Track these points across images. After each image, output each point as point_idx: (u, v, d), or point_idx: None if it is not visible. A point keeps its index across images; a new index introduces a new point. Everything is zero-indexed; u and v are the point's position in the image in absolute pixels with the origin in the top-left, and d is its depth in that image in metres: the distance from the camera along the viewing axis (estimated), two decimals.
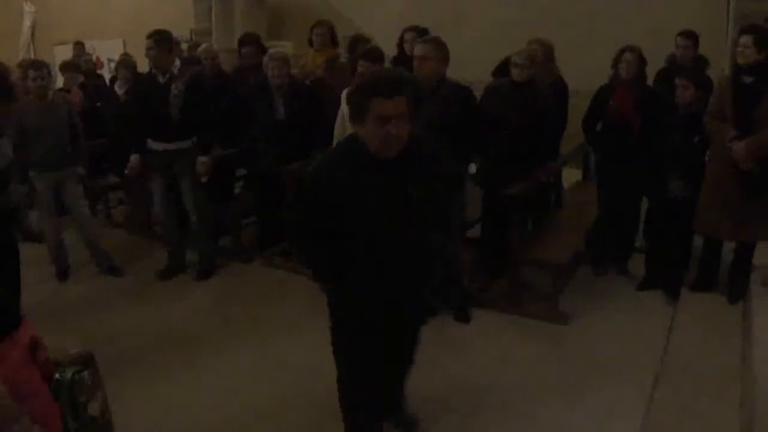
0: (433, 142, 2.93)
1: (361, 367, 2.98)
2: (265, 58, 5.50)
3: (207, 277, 5.66)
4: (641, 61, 4.91)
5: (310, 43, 6.54)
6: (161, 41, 5.14)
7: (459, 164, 4.42)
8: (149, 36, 5.18)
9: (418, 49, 4.37)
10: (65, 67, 7.43)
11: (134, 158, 5.42)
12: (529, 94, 4.84)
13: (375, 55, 4.86)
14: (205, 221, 5.64)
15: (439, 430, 3.58)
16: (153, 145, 5.33)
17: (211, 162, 5.32)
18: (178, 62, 5.37)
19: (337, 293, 2.91)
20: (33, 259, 5.97)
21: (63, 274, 5.72)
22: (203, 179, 5.34)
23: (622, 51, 4.95)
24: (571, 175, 6.59)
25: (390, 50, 6.06)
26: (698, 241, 4.90)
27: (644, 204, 5.19)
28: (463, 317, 4.74)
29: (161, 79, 5.18)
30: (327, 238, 2.71)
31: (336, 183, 2.60)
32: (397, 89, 2.56)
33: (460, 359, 4.28)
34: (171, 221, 5.65)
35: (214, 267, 5.77)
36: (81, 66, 7.77)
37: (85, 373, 2.53)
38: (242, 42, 6.47)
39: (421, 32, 5.80)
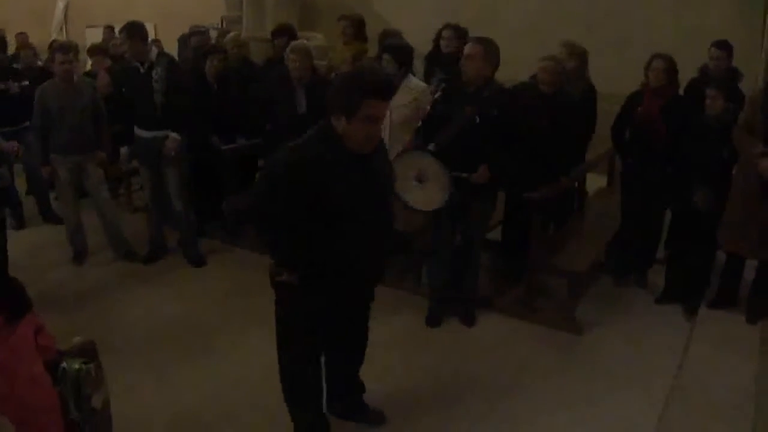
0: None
1: (312, 353, 3.10)
2: (287, 50, 5.44)
3: (198, 264, 5.70)
4: (671, 69, 4.80)
5: None
6: (133, 34, 5.26)
7: (494, 169, 4.34)
8: (120, 31, 5.41)
9: (468, 48, 4.31)
10: (93, 50, 7.46)
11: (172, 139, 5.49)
12: (554, 101, 4.77)
13: (399, 51, 4.84)
14: (189, 209, 5.72)
15: None
16: (141, 132, 5.47)
17: (177, 140, 5.38)
18: (154, 50, 5.48)
19: (303, 271, 2.92)
20: (52, 241, 6.07)
21: (80, 256, 5.75)
22: (171, 153, 5.40)
23: (652, 58, 4.86)
24: (596, 181, 6.50)
25: (420, 46, 5.97)
26: (721, 256, 4.79)
27: (668, 215, 5.09)
28: (468, 320, 4.70)
29: (142, 69, 5.31)
30: (294, 219, 2.76)
31: (314, 170, 2.66)
32: (391, 92, 2.77)
33: (471, 363, 4.24)
34: (156, 207, 5.77)
35: (200, 253, 5.80)
36: (109, 50, 7.78)
37: (91, 366, 2.57)
38: (275, 33, 6.45)
39: (458, 30, 5.75)
